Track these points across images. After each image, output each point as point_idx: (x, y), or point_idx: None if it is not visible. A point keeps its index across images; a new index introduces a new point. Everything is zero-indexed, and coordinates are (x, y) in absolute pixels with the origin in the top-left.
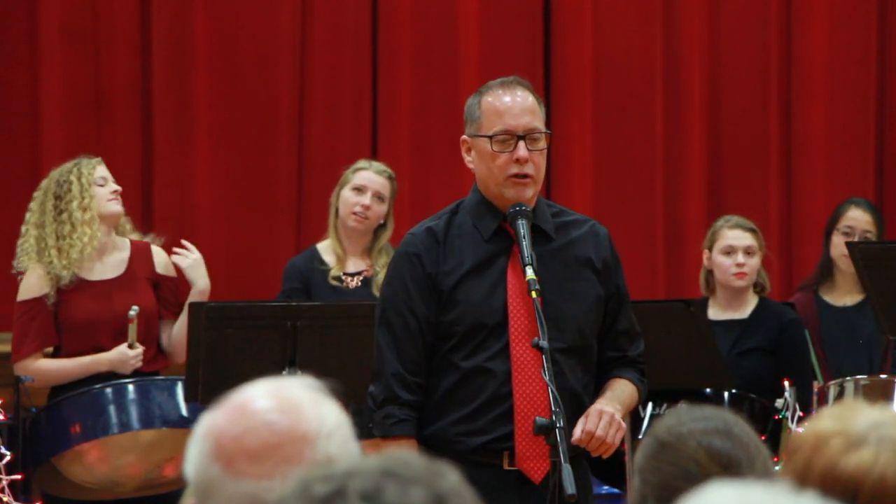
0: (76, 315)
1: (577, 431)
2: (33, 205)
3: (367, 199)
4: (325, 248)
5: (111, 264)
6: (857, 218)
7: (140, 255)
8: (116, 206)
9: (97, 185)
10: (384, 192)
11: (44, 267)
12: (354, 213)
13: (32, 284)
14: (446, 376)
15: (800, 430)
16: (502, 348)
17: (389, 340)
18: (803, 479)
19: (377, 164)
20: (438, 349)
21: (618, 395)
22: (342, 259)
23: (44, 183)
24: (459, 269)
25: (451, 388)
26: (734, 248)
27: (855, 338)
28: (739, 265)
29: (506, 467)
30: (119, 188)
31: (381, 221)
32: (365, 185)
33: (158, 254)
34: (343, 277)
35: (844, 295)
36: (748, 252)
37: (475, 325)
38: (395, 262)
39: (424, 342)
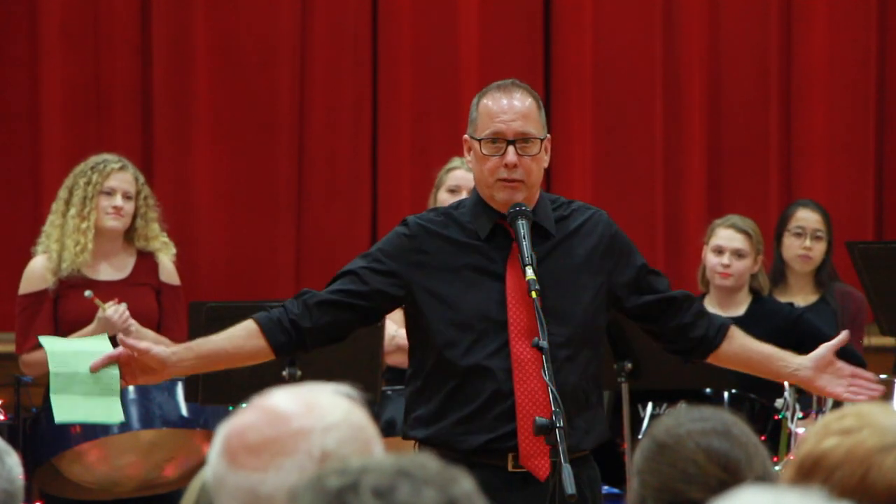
0: (73, 311)
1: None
2: (59, 192)
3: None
4: None
5: (117, 267)
6: (808, 218)
7: (146, 262)
8: (112, 222)
9: (104, 194)
10: None
11: (48, 258)
12: None
13: (35, 277)
14: (446, 376)
15: (801, 429)
16: (501, 346)
17: (339, 275)
18: (860, 496)
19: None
20: (436, 347)
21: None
22: None
23: (71, 172)
24: (454, 267)
25: (451, 389)
26: (722, 249)
27: None
28: (725, 266)
29: (510, 469)
30: (121, 205)
31: None
32: (459, 185)
33: (163, 262)
34: None
35: (797, 295)
36: (737, 254)
37: (472, 322)
38: (389, 235)
39: (351, 306)
